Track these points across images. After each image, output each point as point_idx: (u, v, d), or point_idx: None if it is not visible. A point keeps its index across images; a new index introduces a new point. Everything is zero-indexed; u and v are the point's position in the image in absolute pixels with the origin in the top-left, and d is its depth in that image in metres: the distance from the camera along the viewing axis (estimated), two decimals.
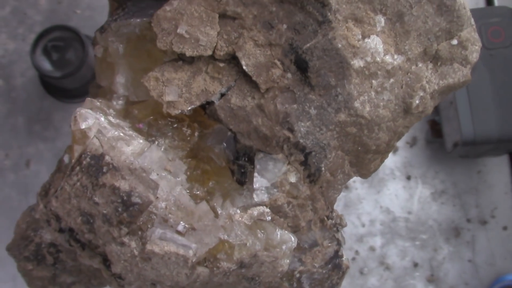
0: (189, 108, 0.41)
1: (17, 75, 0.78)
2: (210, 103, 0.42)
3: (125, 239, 0.38)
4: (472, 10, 0.66)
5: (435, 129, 0.74)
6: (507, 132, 0.65)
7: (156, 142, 0.41)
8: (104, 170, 0.37)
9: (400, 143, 0.77)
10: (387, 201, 0.77)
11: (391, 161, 0.77)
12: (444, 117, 0.71)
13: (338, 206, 0.75)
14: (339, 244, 0.44)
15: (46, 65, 0.69)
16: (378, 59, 0.40)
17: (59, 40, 0.71)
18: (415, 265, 0.76)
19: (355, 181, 0.76)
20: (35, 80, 0.78)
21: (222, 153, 0.42)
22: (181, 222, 0.38)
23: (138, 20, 0.41)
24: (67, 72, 0.68)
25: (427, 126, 0.76)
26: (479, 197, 0.77)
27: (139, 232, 0.38)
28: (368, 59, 0.40)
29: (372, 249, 0.76)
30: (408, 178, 0.78)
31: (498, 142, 0.66)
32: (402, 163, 0.77)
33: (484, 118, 0.66)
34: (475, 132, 0.66)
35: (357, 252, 0.76)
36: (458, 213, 0.77)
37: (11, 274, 0.73)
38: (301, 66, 0.40)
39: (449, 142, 0.70)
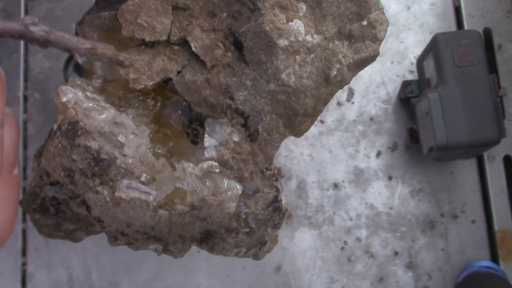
0: (151, 83, 0.50)
1: (51, 89, 0.90)
2: (169, 79, 0.51)
3: (99, 188, 0.47)
4: (445, 33, 0.76)
5: (413, 136, 0.84)
6: (475, 139, 0.75)
7: (125, 112, 0.50)
8: (79, 133, 0.46)
9: (382, 148, 0.87)
10: (371, 198, 0.87)
11: (375, 163, 0.87)
12: (421, 126, 0.80)
13: (328, 203, 0.86)
14: (277, 191, 0.52)
15: None
16: (300, 38, 0.48)
17: None
18: (396, 253, 0.86)
19: (344, 181, 0.86)
20: None
21: (178, 119, 0.51)
22: (144, 174, 0.48)
23: (107, 13, 0.50)
24: None
25: (406, 133, 0.86)
26: (451, 195, 0.87)
27: (110, 183, 0.47)
28: (292, 39, 0.48)
29: (358, 239, 0.87)
30: (390, 178, 0.88)
31: (467, 147, 0.76)
32: (384, 166, 0.87)
33: (456, 127, 0.75)
34: (448, 138, 0.75)
35: (345, 242, 0.86)
36: (433, 209, 0.87)
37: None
38: (238, 47, 0.48)
39: (425, 147, 0.80)
